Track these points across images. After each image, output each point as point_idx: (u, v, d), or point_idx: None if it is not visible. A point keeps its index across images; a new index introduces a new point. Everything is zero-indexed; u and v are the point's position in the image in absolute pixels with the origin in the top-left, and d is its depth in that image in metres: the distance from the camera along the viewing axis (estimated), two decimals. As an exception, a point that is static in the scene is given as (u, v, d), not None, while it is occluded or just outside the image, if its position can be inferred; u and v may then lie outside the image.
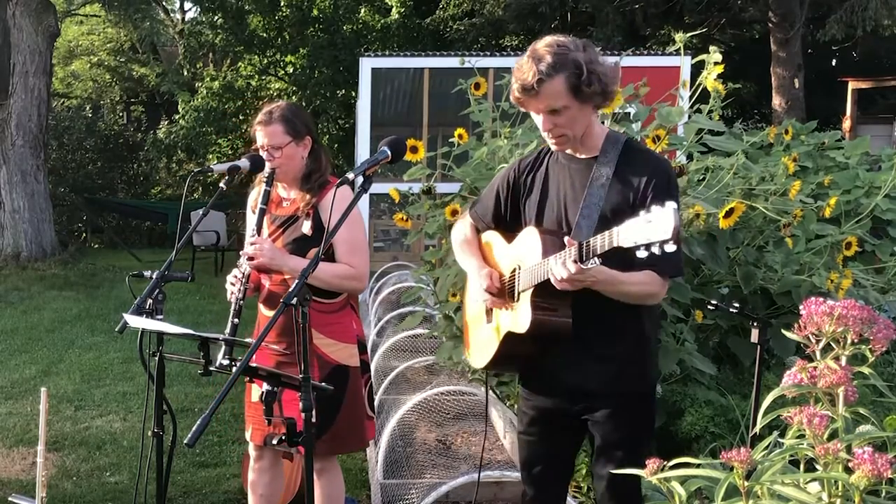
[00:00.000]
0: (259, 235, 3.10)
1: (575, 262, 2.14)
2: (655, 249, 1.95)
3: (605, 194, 2.34)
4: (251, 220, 3.25)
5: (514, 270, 2.45)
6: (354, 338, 3.20)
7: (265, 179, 3.10)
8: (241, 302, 3.03)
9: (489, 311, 2.57)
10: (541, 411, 2.56)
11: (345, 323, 3.18)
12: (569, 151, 2.45)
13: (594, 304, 2.31)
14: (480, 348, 2.61)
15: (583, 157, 2.43)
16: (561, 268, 2.17)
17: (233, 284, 3.07)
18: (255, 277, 3.17)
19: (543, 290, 2.30)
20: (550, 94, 2.29)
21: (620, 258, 2.19)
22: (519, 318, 2.39)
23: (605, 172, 2.36)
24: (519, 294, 2.40)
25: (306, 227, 3.11)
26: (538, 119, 2.38)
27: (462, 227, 2.72)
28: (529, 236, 2.40)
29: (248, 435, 3.31)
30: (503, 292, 2.50)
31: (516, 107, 4.53)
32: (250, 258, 3.04)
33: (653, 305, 2.47)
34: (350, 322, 3.21)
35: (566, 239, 2.21)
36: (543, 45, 2.31)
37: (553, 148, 2.46)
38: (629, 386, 2.44)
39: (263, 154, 3.13)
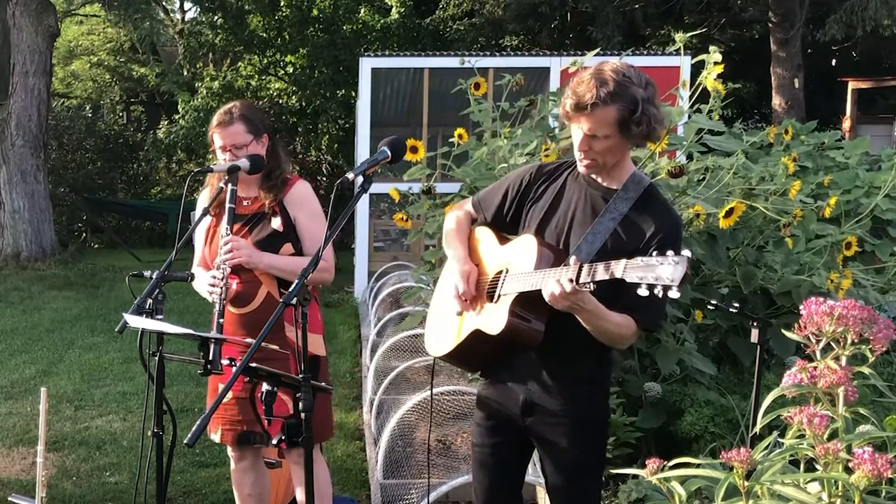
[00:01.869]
0: (232, 234, 3.11)
1: (571, 280, 2.13)
2: (658, 291, 1.95)
3: (613, 228, 2.33)
4: (204, 221, 3.25)
5: (499, 272, 2.43)
6: (321, 328, 3.27)
7: (227, 178, 3.09)
8: (225, 302, 3.04)
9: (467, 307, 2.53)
10: (494, 423, 2.56)
11: (312, 314, 3.21)
12: (592, 175, 2.42)
13: (564, 323, 2.30)
14: (442, 336, 2.58)
15: (604, 185, 2.41)
16: (555, 283, 2.15)
17: (213, 286, 3.08)
18: None
19: (525, 299, 2.30)
20: (599, 120, 2.26)
21: (606, 294, 2.20)
22: (494, 319, 2.37)
23: (621, 209, 2.35)
24: (500, 296, 2.38)
25: (276, 223, 3.16)
26: (577, 135, 2.34)
27: (457, 213, 2.68)
28: (527, 243, 2.39)
29: (215, 437, 3.29)
30: (480, 290, 2.47)
31: (517, 107, 4.58)
32: (228, 258, 3.05)
33: None
34: (316, 313, 3.27)
35: (572, 258, 2.19)
36: (610, 69, 2.27)
37: (581, 169, 2.42)
38: (582, 410, 2.43)
39: (225, 155, 3.14)
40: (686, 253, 1.96)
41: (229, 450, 3.33)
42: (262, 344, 2.30)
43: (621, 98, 2.23)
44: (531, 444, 2.53)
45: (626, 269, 2.01)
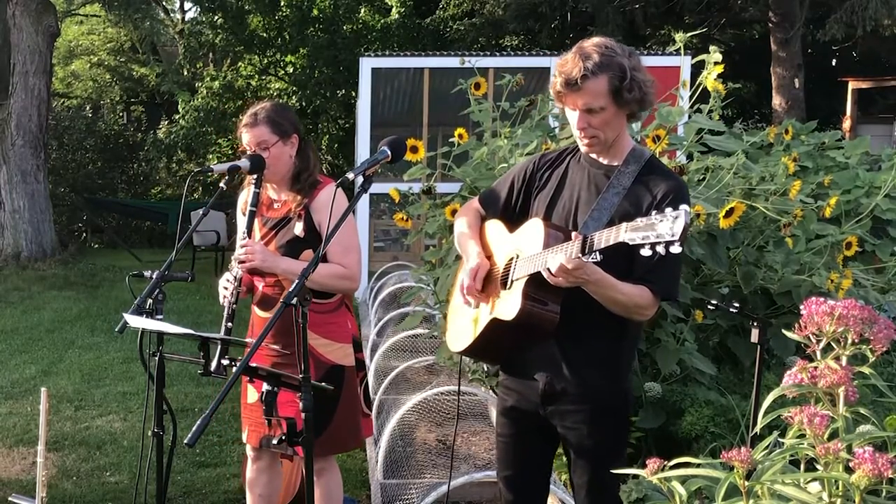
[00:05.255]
0: (250, 238, 3.10)
1: (576, 255, 2.13)
2: (661, 249, 1.95)
3: (618, 202, 2.35)
4: (241, 222, 3.25)
5: (511, 259, 2.44)
6: (349, 337, 3.20)
7: (254, 181, 3.09)
8: (234, 306, 3.03)
9: (478, 303, 2.54)
10: (516, 413, 2.57)
11: (340, 322, 3.18)
12: (593, 155, 2.45)
13: (578, 311, 2.31)
14: (461, 331, 2.59)
15: (605, 162, 2.43)
16: (556, 259, 2.16)
17: (225, 288, 3.08)
18: (247, 280, 3.17)
19: (537, 282, 2.29)
20: (591, 93, 2.29)
21: (620, 268, 2.21)
22: (508, 305, 2.37)
23: (624, 183, 2.37)
24: (512, 282, 2.38)
25: (298, 228, 3.11)
26: (573, 116, 2.37)
27: (466, 214, 2.69)
28: (534, 226, 2.39)
29: (244, 437, 3.31)
30: (495, 280, 2.48)
31: (517, 107, 4.58)
32: (241, 261, 3.04)
33: (635, 323, 2.46)
34: (345, 321, 3.21)
35: (574, 234, 2.19)
36: (591, 44, 2.32)
37: (583, 149, 2.45)
38: (601, 395, 2.44)
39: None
40: (685, 207, 1.96)
41: (248, 449, 3.33)
42: (263, 344, 2.30)
43: (609, 67, 2.28)
44: (556, 435, 2.53)
45: (626, 231, 2.01)
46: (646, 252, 1.98)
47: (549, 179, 2.52)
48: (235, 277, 3.05)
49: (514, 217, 2.56)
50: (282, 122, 3.13)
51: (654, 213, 1.99)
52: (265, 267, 3.07)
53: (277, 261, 3.08)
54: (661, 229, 1.94)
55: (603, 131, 2.36)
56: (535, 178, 2.54)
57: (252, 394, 3.20)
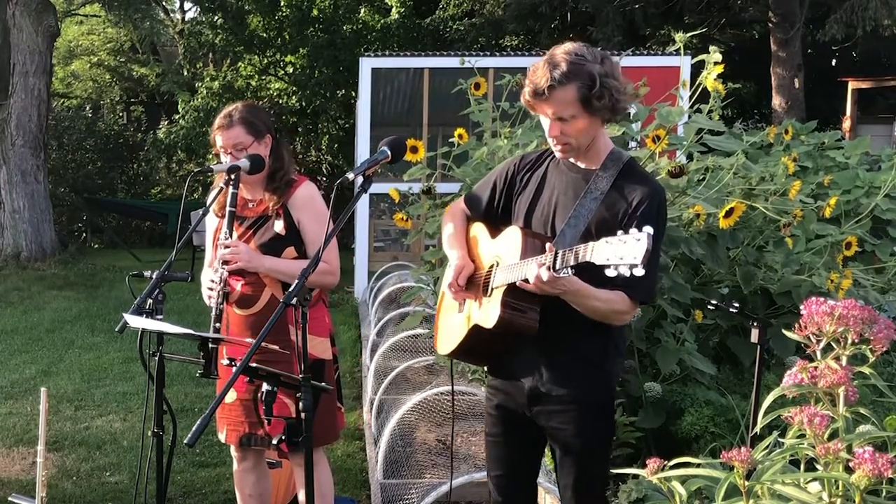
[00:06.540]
0: (231, 238, 3.10)
1: (549, 268, 2.17)
2: (624, 271, 1.99)
3: (596, 208, 2.36)
4: (213, 223, 3.26)
5: (492, 266, 2.47)
6: (328, 331, 3.25)
7: (231, 182, 3.09)
8: (222, 307, 3.04)
9: (463, 301, 2.57)
10: (503, 412, 2.58)
11: (319, 317, 3.21)
12: (571, 159, 2.46)
13: (562, 310, 2.33)
14: (448, 335, 2.63)
15: (583, 167, 2.45)
16: (534, 273, 2.19)
17: (210, 289, 3.08)
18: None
19: (515, 290, 2.32)
20: (560, 102, 2.30)
21: (594, 275, 2.23)
22: (488, 313, 2.41)
23: (601, 187, 2.38)
24: (492, 290, 2.41)
25: (279, 226, 3.14)
26: (546, 123, 2.39)
27: (452, 215, 2.72)
28: (513, 235, 2.43)
29: (221, 437, 3.31)
30: (477, 285, 2.51)
31: (517, 107, 4.58)
32: (226, 262, 3.05)
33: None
34: (323, 316, 3.26)
35: (548, 245, 2.23)
36: (562, 51, 2.31)
37: (557, 155, 2.47)
38: (586, 395, 2.45)
39: (225, 157, 3.14)
40: (648, 229, 1.99)
41: (232, 450, 3.34)
42: (262, 344, 2.30)
43: (577, 76, 2.27)
44: (543, 434, 2.55)
45: (593, 252, 2.05)
46: (611, 273, 2.02)
47: (529, 182, 2.53)
48: (221, 279, 3.05)
49: (497, 219, 2.59)
50: (256, 123, 3.16)
51: (619, 233, 2.02)
52: (250, 267, 3.09)
53: (262, 260, 3.11)
54: (624, 252, 1.98)
55: (576, 138, 2.37)
56: (515, 181, 2.56)
57: (230, 393, 3.20)
